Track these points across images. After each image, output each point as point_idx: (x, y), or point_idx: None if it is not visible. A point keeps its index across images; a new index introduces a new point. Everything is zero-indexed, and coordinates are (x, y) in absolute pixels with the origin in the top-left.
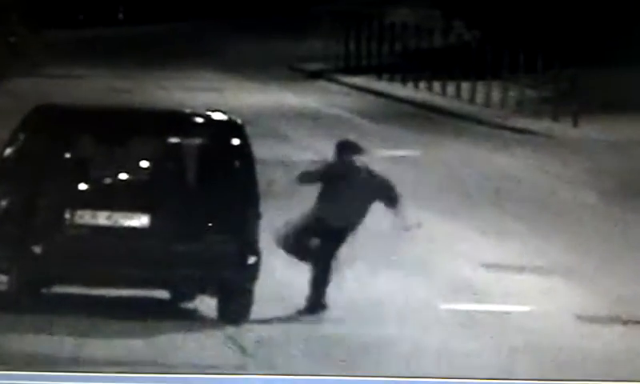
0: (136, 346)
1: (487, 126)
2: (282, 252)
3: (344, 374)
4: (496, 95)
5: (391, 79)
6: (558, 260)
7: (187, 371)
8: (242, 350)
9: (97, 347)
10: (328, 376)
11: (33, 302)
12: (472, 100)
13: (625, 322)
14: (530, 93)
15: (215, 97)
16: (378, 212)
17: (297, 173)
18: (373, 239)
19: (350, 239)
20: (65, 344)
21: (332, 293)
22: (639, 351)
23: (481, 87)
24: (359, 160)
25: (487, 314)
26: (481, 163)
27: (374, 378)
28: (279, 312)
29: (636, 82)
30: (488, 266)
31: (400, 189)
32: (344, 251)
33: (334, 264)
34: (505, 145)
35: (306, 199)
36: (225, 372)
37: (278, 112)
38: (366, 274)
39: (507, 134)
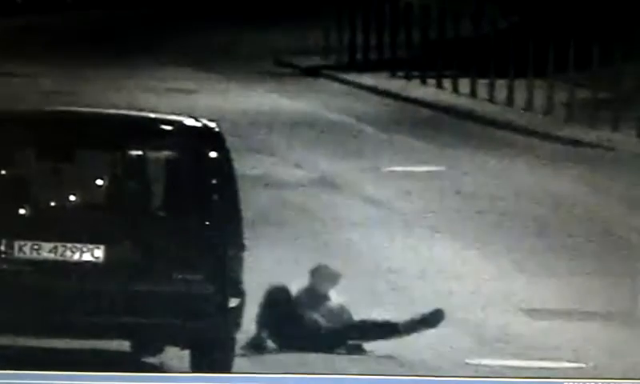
0: None
1: (528, 135)
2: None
3: (344, 373)
4: (539, 97)
5: (407, 77)
6: (616, 305)
7: None
8: None
9: None
10: (328, 376)
11: None
12: (509, 103)
13: None
14: (582, 94)
15: (187, 99)
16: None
17: (287, 193)
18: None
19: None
20: None
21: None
22: None
23: (520, 87)
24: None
25: (528, 371)
26: (519, 183)
27: (373, 378)
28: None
29: None
30: (528, 312)
31: (415, 214)
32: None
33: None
34: (551, 159)
35: (300, 227)
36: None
37: (265, 118)
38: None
39: (554, 145)
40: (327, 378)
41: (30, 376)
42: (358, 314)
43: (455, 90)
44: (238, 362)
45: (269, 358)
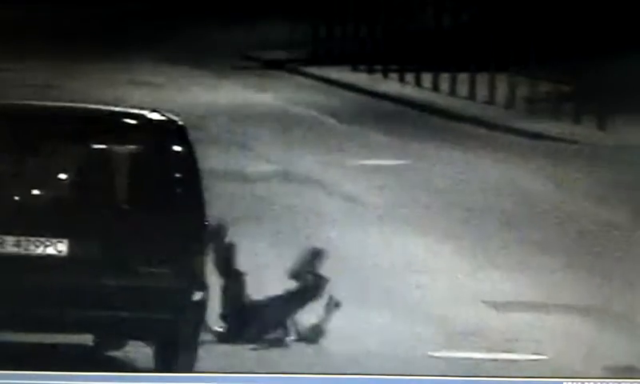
0: None
1: (491, 129)
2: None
3: (343, 373)
4: (501, 91)
5: (370, 71)
6: (581, 296)
7: None
8: None
9: None
10: (328, 376)
11: None
12: (471, 97)
13: None
14: (544, 88)
15: (153, 93)
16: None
17: (253, 187)
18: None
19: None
20: None
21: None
22: None
23: (482, 81)
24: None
25: (493, 363)
26: (483, 176)
27: (373, 377)
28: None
29: None
30: (493, 305)
31: (381, 207)
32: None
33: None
34: (514, 153)
35: (266, 221)
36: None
37: (231, 112)
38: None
39: (516, 139)
40: (328, 377)
41: (29, 376)
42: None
43: (418, 83)
44: (203, 357)
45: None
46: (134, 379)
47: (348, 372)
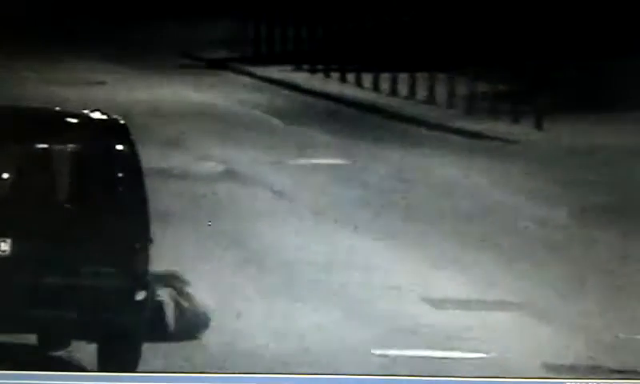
0: None
1: (431, 128)
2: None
3: (342, 373)
4: (441, 91)
5: (312, 71)
6: (520, 293)
7: None
8: None
9: None
10: (329, 375)
11: None
12: (411, 96)
13: (612, 372)
14: (482, 87)
15: (93, 92)
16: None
17: (195, 185)
18: (293, 272)
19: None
20: None
21: (252, 329)
22: None
23: (422, 81)
24: None
25: (436, 361)
26: (423, 175)
27: (374, 377)
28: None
29: (614, 75)
30: (434, 303)
31: (322, 206)
32: (264, 283)
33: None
34: (453, 152)
35: (207, 219)
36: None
37: (172, 111)
38: (286, 310)
39: (456, 138)
40: (328, 377)
41: (30, 376)
42: (262, 304)
43: (359, 83)
44: (145, 355)
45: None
46: (139, 379)
47: (285, 371)
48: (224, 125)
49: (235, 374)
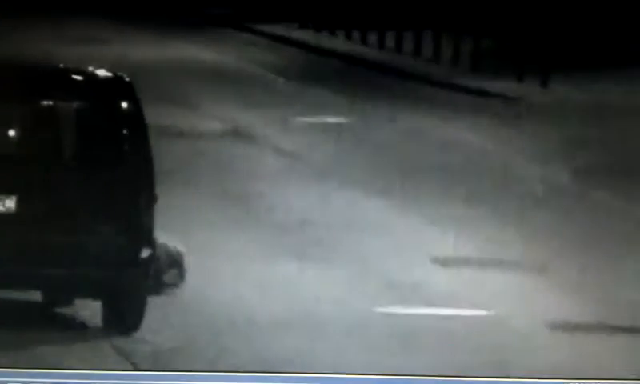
0: None
1: (435, 86)
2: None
3: (339, 372)
4: (446, 49)
5: (318, 28)
6: (523, 252)
7: None
8: (133, 365)
9: None
10: (329, 375)
11: None
12: (416, 54)
13: (614, 330)
14: (487, 45)
15: (97, 50)
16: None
17: (200, 144)
18: (297, 231)
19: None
20: None
21: (252, 293)
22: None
23: (427, 39)
24: None
25: (437, 320)
26: (427, 134)
27: (373, 376)
28: (178, 317)
29: (620, 29)
30: (436, 261)
31: (325, 164)
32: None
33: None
34: (457, 110)
35: (213, 178)
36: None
37: (175, 69)
38: (291, 271)
39: (460, 96)
40: (329, 377)
41: (31, 374)
42: (266, 264)
43: (364, 41)
44: (150, 313)
45: None
46: (138, 377)
47: (287, 334)
48: (228, 83)
49: (247, 373)
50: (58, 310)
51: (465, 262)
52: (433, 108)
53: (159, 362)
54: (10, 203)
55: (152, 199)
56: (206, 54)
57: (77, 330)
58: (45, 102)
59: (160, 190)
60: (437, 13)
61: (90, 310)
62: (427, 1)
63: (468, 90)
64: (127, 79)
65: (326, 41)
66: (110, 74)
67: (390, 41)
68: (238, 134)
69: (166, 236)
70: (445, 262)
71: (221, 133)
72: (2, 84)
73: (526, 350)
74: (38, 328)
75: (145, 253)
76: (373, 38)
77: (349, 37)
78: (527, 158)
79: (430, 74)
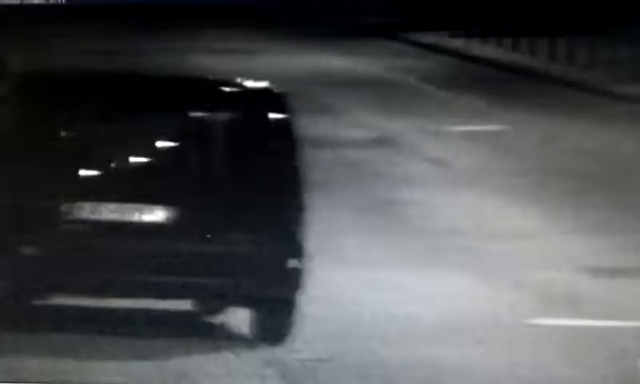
0: (148, 370)
1: (592, 93)
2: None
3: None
4: (603, 54)
5: (468, 35)
6: None
7: None
8: (283, 377)
9: (101, 371)
10: None
11: (24, 317)
12: (570, 60)
13: None
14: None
15: (242, 61)
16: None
17: (349, 153)
18: (446, 239)
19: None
20: (62, 367)
21: (404, 303)
22: None
23: (582, 44)
24: None
25: (593, 331)
26: (582, 141)
27: None
28: (331, 328)
29: None
30: (587, 270)
31: (474, 173)
32: (414, 251)
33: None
34: (615, 118)
35: (361, 187)
36: None
37: (321, 79)
38: (437, 278)
39: (616, 104)
40: None
41: None
42: (417, 277)
43: (515, 47)
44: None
45: None
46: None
47: (442, 339)
48: (377, 92)
49: None
50: (208, 319)
51: (618, 271)
52: (589, 115)
53: (309, 374)
54: (160, 213)
55: (302, 209)
56: (355, 63)
57: (226, 340)
58: (195, 114)
59: (310, 200)
60: (591, 18)
61: (240, 320)
62: (582, 7)
63: (624, 98)
64: (280, 91)
65: (476, 48)
66: (261, 86)
67: (542, 47)
68: (385, 142)
69: (316, 245)
70: (595, 272)
71: (368, 141)
72: (153, 96)
73: None
74: (187, 338)
75: (293, 263)
76: (524, 44)
77: (499, 44)
78: None
79: (585, 80)
